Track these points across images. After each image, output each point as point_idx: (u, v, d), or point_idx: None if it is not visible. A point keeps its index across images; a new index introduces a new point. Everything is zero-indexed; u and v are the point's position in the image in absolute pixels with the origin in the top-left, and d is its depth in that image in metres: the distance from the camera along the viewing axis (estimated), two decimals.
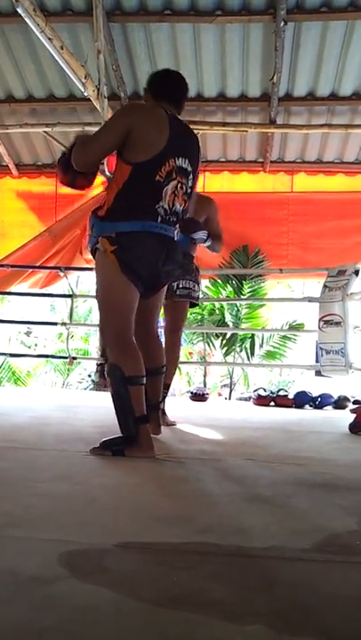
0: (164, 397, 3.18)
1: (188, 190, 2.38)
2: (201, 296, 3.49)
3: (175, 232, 2.38)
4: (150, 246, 2.28)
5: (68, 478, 1.86)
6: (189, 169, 2.36)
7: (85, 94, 4.77)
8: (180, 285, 3.29)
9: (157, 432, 2.59)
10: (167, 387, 3.25)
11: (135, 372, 2.23)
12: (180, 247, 2.49)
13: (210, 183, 6.13)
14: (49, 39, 3.92)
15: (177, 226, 2.39)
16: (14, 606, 0.92)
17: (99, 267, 2.36)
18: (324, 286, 4.79)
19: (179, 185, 2.30)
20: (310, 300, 5.20)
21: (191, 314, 7.25)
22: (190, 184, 2.38)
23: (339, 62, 5.28)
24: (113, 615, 0.90)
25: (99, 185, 6.22)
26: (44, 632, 0.84)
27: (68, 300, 6.08)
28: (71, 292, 6.18)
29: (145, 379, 2.28)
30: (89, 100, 4.92)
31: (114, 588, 1.00)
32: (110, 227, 2.27)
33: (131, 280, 2.28)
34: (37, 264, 6.35)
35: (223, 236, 3.42)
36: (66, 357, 6.24)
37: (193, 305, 3.49)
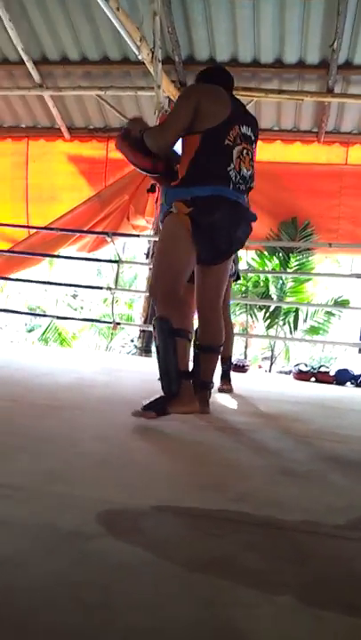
0: (227, 369, 3.42)
1: (253, 157, 2.43)
2: (239, 270, 3.50)
3: (246, 200, 2.42)
4: (225, 211, 2.31)
5: (109, 439, 1.91)
6: (253, 137, 2.44)
7: (140, 57, 4.72)
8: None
9: (204, 410, 2.49)
10: (227, 359, 3.42)
11: (183, 326, 2.25)
12: (251, 218, 2.48)
13: (261, 152, 5.95)
14: (105, 0, 3.88)
15: (246, 195, 2.42)
16: (53, 559, 0.97)
17: (167, 225, 2.38)
18: None
19: (245, 150, 2.36)
20: (358, 276, 5.09)
21: (235, 285, 7.23)
22: (253, 151, 2.44)
23: None
24: (146, 575, 0.94)
25: None
26: (80, 586, 0.89)
27: (115, 265, 6.14)
28: (118, 258, 6.23)
29: (191, 336, 2.31)
30: (143, 63, 4.86)
31: (148, 548, 1.03)
32: (186, 192, 2.31)
33: (198, 243, 2.31)
34: (85, 228, 6.42)
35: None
36: (110, 322, 6.34)
37: (237, 278, 3.53)
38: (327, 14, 5.00)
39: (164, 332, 2.22)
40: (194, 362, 2.58)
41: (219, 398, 3.12)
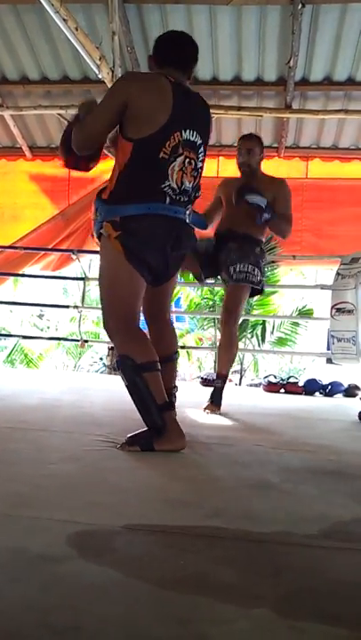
0: (220, 387, 3.17)
1: (198, 165, 2.18)
2: (260, 279, 3.23)
3: (187, 214, 2.20)
4: (158, 230, 2.11)
5: (77, 460, 1.88)
6: (199, 142, 2.16)
7: (100, 76, 4.74)
8: (237, 269, 3.14)
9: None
10: (222, 376, 3.22)
11: (147, 358, 2.07)
12: (193, 230, 2.31)
13: (224, 168, 6.07)
14: (64, 20, 3.89)
15: (189, 207, 2.20)
16: (23, 584, 0.94)
17: (102, 253, 2.20)
18: (337, 274, 4.76)
19: (187, 160, 2.10)
20: (323, 287, 5.17)
21: (203, 299, 7.26)
22: (200, 158, 2.19)
23: (357, 47, 5.20)
24: (119, 595, 0.92)
25: (110, 169, 6.21)
26: (50, 610, 0.86)
27: (81, 282, 6.10)
28: (83, 275, 6.19)
29: (159, 364, 2.12)
30: (103, 82, 4.88)
31: (121, 568, 1.01)
32: (114, 210, 2.10)
33: (136, 268, 2.11)
34: (50, 247, 6.37)
35: (291, 225, 3.31)
36: (78, 340, 6.27)
37: (255, 292, 3.33)
38: (283, 33, 5.13)
39: (128, 371, 2.06)
40: None
41: (190, 413, 3.10)
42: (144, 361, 2.05)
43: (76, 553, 1.07)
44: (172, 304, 3.03)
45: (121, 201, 2.10)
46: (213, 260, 3.22)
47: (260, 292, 3.38)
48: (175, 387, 2.48)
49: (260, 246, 3.30)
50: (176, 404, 2.48)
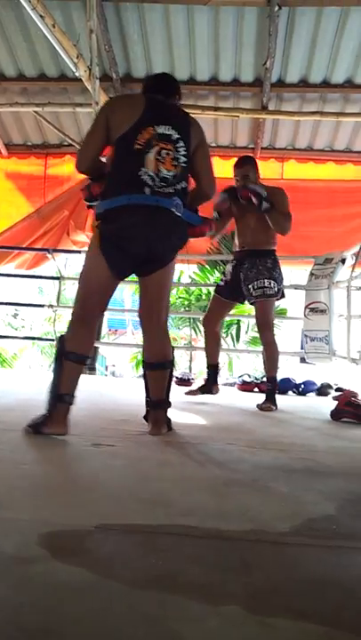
0: (271, 389, 3.60)
1: (178, 156, 2.31)
2: (278, 288, 3.61)
3: (174, 204, 2.27)
4: (137, 219, 2.23)
5: (51, 460, 1.87)
6: (176, 136, 2.31)
7: (77, 74, 4.71)
8: (255, 286, 3.51)
9: (156, 432, 2.39)
10: (271, 379, 3.64)
11: (76, 349, 2.25)
12: (182, 221, 2.35)
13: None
14: (40, 17, 3.86)
15: (175, 198, 2.28)
16: None
17: (89, 245, 2.41)
18: (311, 274, 4.82)
19: (163, 151, 2.27)
20: (296, 287, 5.22)
21: (178, 299, 7.27)
22: (182, 152, 2.32)
23: (332, 49, 5.26)
24: (91, 595, 0.92)
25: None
26: (21, 609, 0.86)
27: (56, 282, 6.06)
28: (59, 275, 6.15)
29: (87, 361, 2.32)
30: (80, 80, 4.86)
31: (93, 568, 1.02)
32: (101, 205, 2.30)
33: (108, 255, 2.26)
34: (24, 245, 6.31)
35: (290, 223, 3.56)
36: (53, 340, 6.22)
37: (281, 296, 3.71)
38: (259, 34, 5.16)
39: (57, 352, 2.29)
40: (144, 380, 2.55)
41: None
42: (71, 350, 2.24)
43: (49, 553, 1.07)
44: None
45: (107, 196, 2.29)
46: (235, 283, 3.63)
47: (282, 296, 3.74)
48: (165, 401, 2.50)
49: (271, 257, 3.62)
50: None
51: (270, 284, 3.52)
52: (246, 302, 3.76)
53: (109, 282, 2.34)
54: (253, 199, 3.41)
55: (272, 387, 3.60)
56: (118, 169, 2.29)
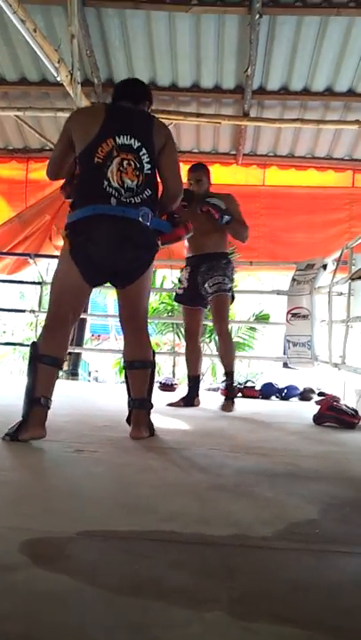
0: (230, 384, 3.75)
1: (141, 165, 2.33)
2: (230, 286, 3.69)
3: (140, 213, 2.30)
4: (104, 229, 2.27)
5: (31, 467, 1.85)
6: (136, 144, 2.34)
7: (58, 79, 4.69)
8: (211, 283, 3.59)
9: (137, 434, 2.41)
10: (229, 374, 3.73)
11: (48, 352, 2.24)
12: (149, 230, 2.37)
13: (182, 174, 6.11)
14: (22, 21, 3.85)
15: (143, 208, 2.31)
16: None
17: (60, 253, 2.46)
18: (293, 280, 4.85)
19: (125, 162, 2.30)
20: (279, 292, 5.26)
21: (161, 304, 7.26)
22: (146, 159, 2.35)
23: (312, 58, 5.32)
24: (73, 602, 0.91)
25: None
26: (3, 618, 0.85)
27: (38, 286, 6.02)
28: (40, 280, 6.11)
29: (62, 363, 2.32)
30: (62, 85, 4.84)
31: (75, 575, 1.00)
32: (70, 216, 2.35)
33: (78, 263, 2.30)
34: (5, 250, 6.26)
35: (247, 230, 3.72)
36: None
37: (231, 299, 3.74)
38: (241, 42, 5.20)
39: (30, 356, 2.29)
40: (125, 382, 2.58)
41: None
42: (44, 353, 2.24)
43: (30, 560, 1.06)
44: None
45: (74, 207, 2.36)
46: (194, 288, 3.66)
47: (232, 298, 3.75)
48: (146, 401, 2.50)
49: (225, 258, 3.73)
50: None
51: (225, 280, 3.61)
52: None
53: (82, 288, 2.37)
54: (214, 214, 3.51)
55: (230, 382, 3.73)
56: (83, 183, 2.37)
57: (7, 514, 1.34)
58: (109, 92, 5.69)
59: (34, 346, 2.30)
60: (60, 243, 6.67)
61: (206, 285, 3.60)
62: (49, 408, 2.24)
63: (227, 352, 3.74)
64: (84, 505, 1.44)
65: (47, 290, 6.22)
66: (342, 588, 1.04)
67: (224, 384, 4.97)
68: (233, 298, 3.77)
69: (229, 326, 4.09)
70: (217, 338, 3.78)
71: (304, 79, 5.56)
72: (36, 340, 2.35)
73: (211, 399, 4.64)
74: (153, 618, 0.88)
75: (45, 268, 7.01)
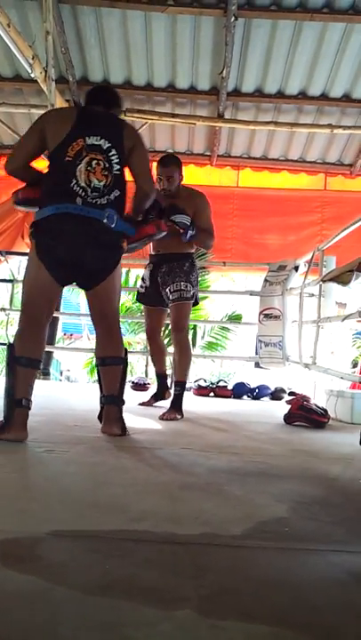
0: (179, 394, 3.34)
1: (110, 166, 2.36)
2: (193, 292, 3.46)
3: (105, 215, 2.33)
4: (66, 227, 2.30)
5: (2, 467, 1.83)
6: (106, 145, 2.37)
7: (32, 76, 4.65)
8: (171, 290, 3.40)
9: (108, 430, 2.45)
10: (178, 383, 3.41)
11: (25, 354, 2.25)
12: (113, 231, 2.38)
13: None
14: None
15: (108, 210, 2.34)
16: None
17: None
18: (265, 280, 4.90)
19: (94, 161, 2.33)
20: (251, 293, 5.30)
21: (134, 303, 7.25)
22: (116, 160, 2.38)
23: (287, 61, 5.39)
24: (42, 603, 0.91)
25: (42, 169, 6.13)
26: None
27: (9, 285, 5.95)
28: (12, 277, 6.04)
29: (40, 363, 2.34)
30: (36, 81, 4.80)
31: (45, 575, 1.00)
32: (36, 215, 2.37)
33: (46, 264, 2.32)
34: None
35: (214, 234, 3.47)
36: (5, 344, 6.10)
37: (194, 303, 3.54)
38: (216, 44, 5.23)
39: (8, 358, 2.30)
40: (97, 378, 2.62)
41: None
42: (21, 355, 2.25)
43: None
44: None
45: (41, 205, 2.37)
46: (154, 288, 3.52)
47: (195, 303, 3.56)
48: (118, 398, 2.50)
49: (189, 260, 3.48)
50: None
51: (187, 287, 3.41)
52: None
53: (52, 287, 2.39)
54: (179, 230, 3.27)
55: (180, 392, 3.37)
56: (51, 181, 2.37)
57: None
58: (84, 91, 5.68)
59: (10, 347, 2.30)
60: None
61: (167, 290, 3.43)
62: (30, 409, 2.25)
63: (182, 363, 3.44)
64: (54, 505, 1.44)
65: (18, 288, 6.15)
66: (311, 585, 1.06)
67: (196, 384, 5.00)
68: (197, 302, 3.58)
69: (192, 330, 3.94)
70: (174, 347, 3.49)
71: (278, 82, 5.62)
72: (11, 341, 2.35)
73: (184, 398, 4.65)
74: (123, 617, 0.88)
75: (17, 266, 6.93)
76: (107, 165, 2.35)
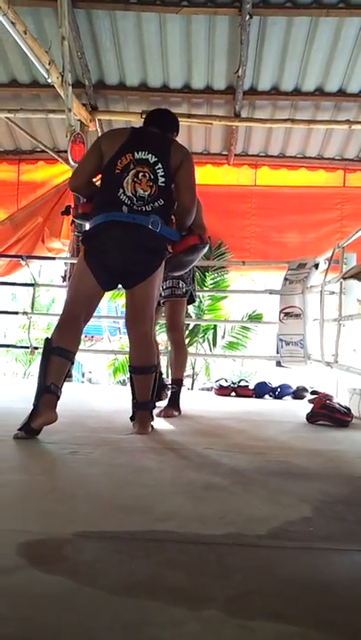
0: (176, 392, 3.37)
1: (155, 177, 2.53)
2: (194, 291, 3.54)
3: (150, 220, 2.48)
4: (114, 234, 2.47)
5: (28, 469, 1.86)
6: (153, 159, 2.55)
7: (49, 81, 4.70)
8: (164, 287, 3.39)
9: (142, 431, 2.55)
10: (175, 381, 3.43)
11: (62, 344, 2.37)
12: (158, 237, 2.53)
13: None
14: (12, 23, 3.85)
15: (153, 216, 2.48)
16: None
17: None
18: (285, 279, 4.87)
19: (140, 174, 2.51)
20: (271, 292, 5.27)
21: None
22: (161, 173, 2.54)
23: (302, 58, 5.35)
24: (70, 603, 0.92)
25: (61, 174, 6.17)
26: (1, 621, 0.85)
27: (30, 288, 6.01)
28: (33, 281, 6.10)
29: (73, 357, 2.43)
30: (53, 86, 4.85)
31: (72, 576, 1.01)
32: (89, 224, 2.60)
33: (92, 267, 2.49)
34: None
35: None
36: (27, 347, 6.17)
37: (190, 301, 3.58)
38: (231, 43, 5.22)
39: (44, 349, 2.39)
40: (130, 384, 2.70)
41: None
42: (57, 345, 2.37)
43: (27, 562, 1.06)
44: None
45: (92, 215, 2.59)
46: None
47: (192, 300, 3.59)
48: (150, 403, 2.64)
49: None
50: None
51: (179, 284, 3.42)
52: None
53: (95, 290, 2.55)
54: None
55: (177, 390, 3.38)
56: (101, 192, 2.60)
57: (3, 516, 1.34)
58: (100, 94, 5.77)
59: (47, 340, 2.40)
60: (54, 245, 6.73)
61: (160, 287, 3.28)
62: (59, 397, 2.33)
63: (178, 362, 3.46)
64: (79, 506, 1.45)
65: (40, 291, 6.22)
66: (337, 584, 1.05)
67: (217, 383, 5.00)
68: (193, 299, 3.58)
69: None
70: (170, 346, 3.49)
71: (295, 79, 5.59)
72: (34, 344, 2.47)
73: (204, 398, 4.66)
74: (149, 617, 0.89)
75: (37, 270, 7.00)
76: (152, 177, 2.53)
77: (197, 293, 6.75)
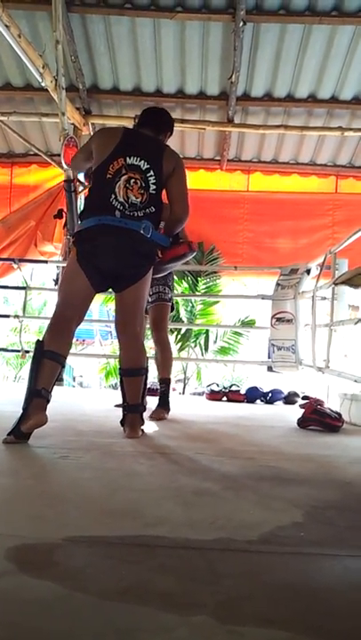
0: (165, 391, 3.45)
1: (147, 185, 2.54)
2: (170, 295, 3.62)
3: (142, 226, 2.50)
4: (107, 238, 2.48)
5: (18, 473, 1.85)
6: (145, 166, 2.55)
7: (43, 84, 4.69)
8: (151, 293, 3.42)
9: (133, 435, 2.56)
10: (164, 381, 3.51)
11: (53, 348, 2.36)
12: (149, 242, 2.55)
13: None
14: (6, 26, 3.85)
15: (145, 222, 2.50)
16: None
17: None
18: (277, 284, 4.89)
19: (132, 180, 2.52)
20: (263, 297, 5.28)
21: None
22: (153, 180, 2.55)
23: (296, 65, 5.38)
24: (60, 609, 0.91)
25: (53, 177, 6.17)
26: None
27: (22, 292, 5.99)
28: (25, 284, 6.08)
29: (64, 360, 2.43)
30: (46, 90, 4.84)
31: (62, 582, 1.01)
32: (79, 226, 2.59)
33: (85, 270, 2.50)
34: None
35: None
36: (19, 351, 6.14)
37: (172, 309, 3.65)
38: (225, 49, 5.25)
39: (35, 352, 2.38)
40: (120, 386, 2.71)
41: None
42: (48, 349, 2.36)
43: (16, 567, 1.06)
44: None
45: (83, 217, 2.58)
46: None
47: (172, 308, 3.66)
48: (141, 405, 2.64)
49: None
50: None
51: (165, 289, 3.54)
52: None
53: (87, 291, 2.55)
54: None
55: (165, 389, 3.47)
56: (92, 194, 2.61)
57: None
58: (94, 98, 5.77)
59: (38, 343, 2.39)
60: (46, 248, 6.70)
61: None
62: (48, 401, 2.32)
63: (165, 361, 3.55)
64: (70, 511, 1.44)
65: (32, 295, 6.19)
66: (328, 590, 1.05)
67: (209, 388, 4.99)
68: (173, 307, 3.66)
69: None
70: (155, 347, 3.58)
71: (288, 86, 5.62)
72: (25, 347, 2.46)
73: (196, 403, 4.66)
74: (140, 622, 0.89)
75: (30, 274, 6.98)
76: (143, 185, 2.53)
77: (190, 298, 6.79)
